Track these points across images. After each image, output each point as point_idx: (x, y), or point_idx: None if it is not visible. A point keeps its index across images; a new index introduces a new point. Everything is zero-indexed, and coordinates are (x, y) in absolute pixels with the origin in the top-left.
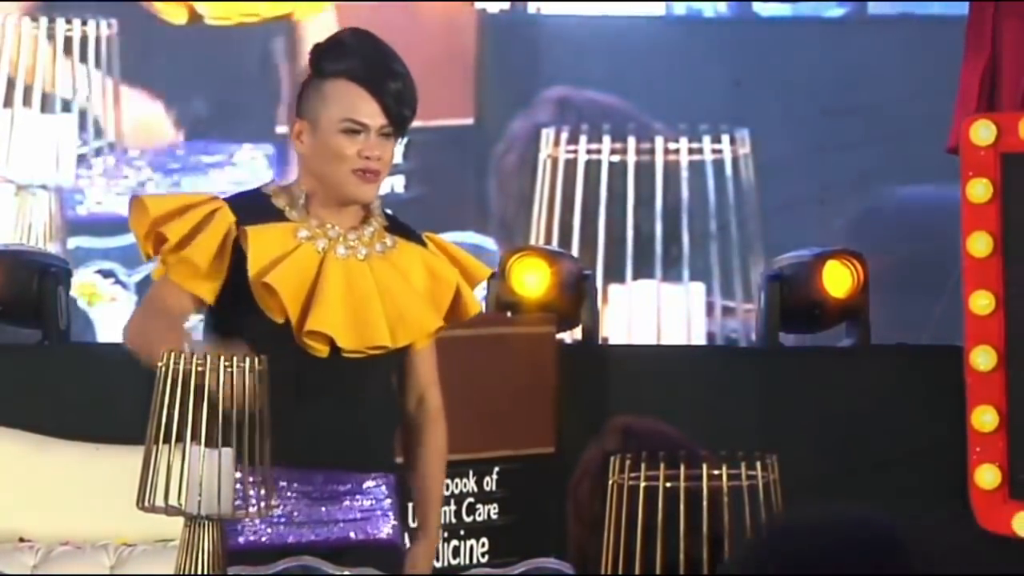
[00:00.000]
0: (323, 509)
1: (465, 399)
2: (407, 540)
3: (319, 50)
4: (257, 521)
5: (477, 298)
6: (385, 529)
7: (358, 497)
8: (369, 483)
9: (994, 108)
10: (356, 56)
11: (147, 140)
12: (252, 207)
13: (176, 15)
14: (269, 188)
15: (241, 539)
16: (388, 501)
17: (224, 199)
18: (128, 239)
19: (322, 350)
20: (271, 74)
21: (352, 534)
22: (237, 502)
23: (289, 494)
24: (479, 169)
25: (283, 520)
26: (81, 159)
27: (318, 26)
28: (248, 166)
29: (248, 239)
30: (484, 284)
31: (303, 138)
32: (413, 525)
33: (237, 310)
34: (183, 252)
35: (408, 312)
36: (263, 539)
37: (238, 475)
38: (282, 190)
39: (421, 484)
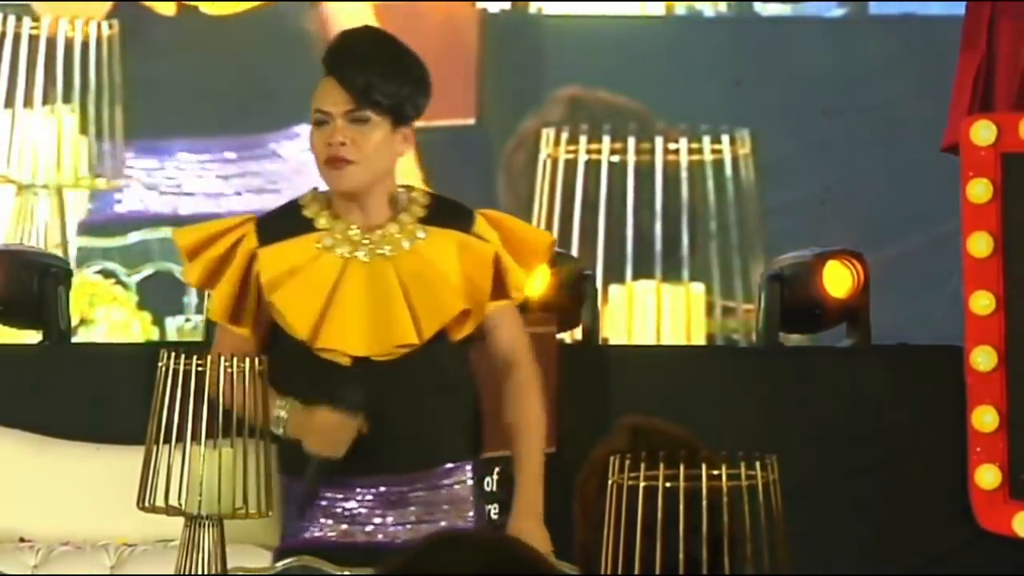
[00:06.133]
0: (392, 511)
1: None
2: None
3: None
4: (323, 518)
5: (520, 267)
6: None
7: (423, 495)
8: (435, 479)
9: (988, 108)
10: (335, 49)
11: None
12: (282, 222)
13: (165, 7)
14: (305, 197)
15: (306, 534)
16: (462, 494)
17: (257, 217)
18: (130, 239)
19: (344, 360)
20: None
21: (421, 535)
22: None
23: (357, 496)
24: (481, 169)
25: (348, 518)
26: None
27: (347, 10)
28: (297, 158)
29: (260, 262)
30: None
31: None
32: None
33: (278, 329)
34: (211, 290)
35: (433, 301)
36: (330, 535)
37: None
38: (315, 197)
39: (516, 461)
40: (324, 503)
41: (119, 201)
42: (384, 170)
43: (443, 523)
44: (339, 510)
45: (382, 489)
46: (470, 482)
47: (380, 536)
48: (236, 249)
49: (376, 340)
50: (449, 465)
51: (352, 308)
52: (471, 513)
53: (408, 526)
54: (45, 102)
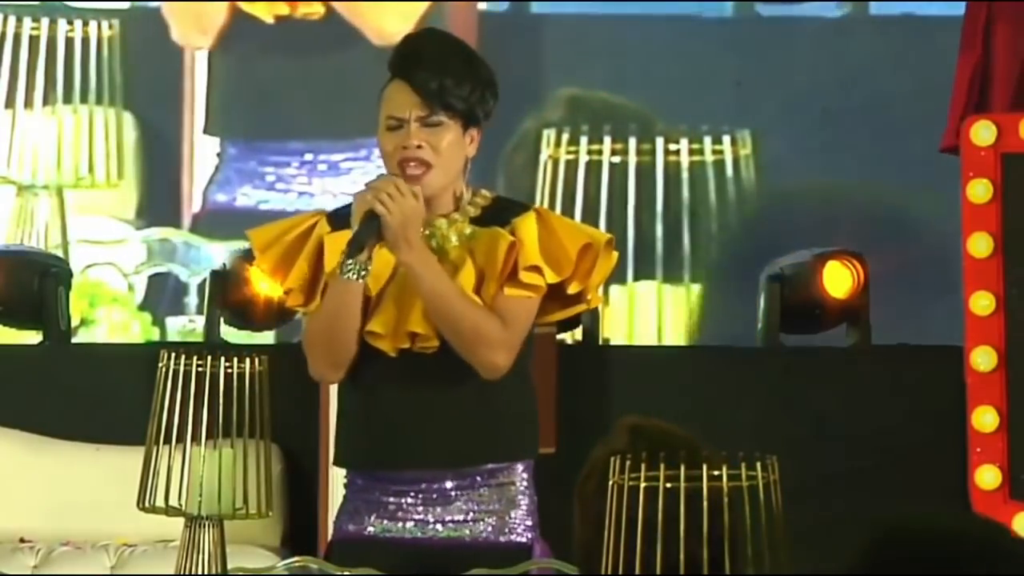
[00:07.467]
0: (435, 509)
1: None
2: (536, 542)
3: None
4: (367, 513)
5: (540, 263)
6: (503, 532)
7: (466, 493)
8: (478, 478)
9: (985, 110)
10: (403, 53)
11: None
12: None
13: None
14: None
15: (351, 526)
16: (510, 495)
17: (330, 211)
18: (126, 242)
19: (387, 350)
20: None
21: (465, 535)
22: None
23: (400, 492)
24: (480, 169)
25: (391, 514)
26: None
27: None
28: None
29: (327, 247)
30: None
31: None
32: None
33: None
34: (284, 279)
35: None
36: (371, 530)
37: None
38: None
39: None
40: (370, 498)
41: (221, 193)
42: (455, 171)
43: (489, 524)
44: (383, 506)
45: (423, 486)
46: (521, 483)
47: (420, 533)
48: (309, 236)
49: (402, 332)
50: (492, 465)
51: (393, 300)
52: (518, 515)
53: (451, 524)
54: (45, 103)
